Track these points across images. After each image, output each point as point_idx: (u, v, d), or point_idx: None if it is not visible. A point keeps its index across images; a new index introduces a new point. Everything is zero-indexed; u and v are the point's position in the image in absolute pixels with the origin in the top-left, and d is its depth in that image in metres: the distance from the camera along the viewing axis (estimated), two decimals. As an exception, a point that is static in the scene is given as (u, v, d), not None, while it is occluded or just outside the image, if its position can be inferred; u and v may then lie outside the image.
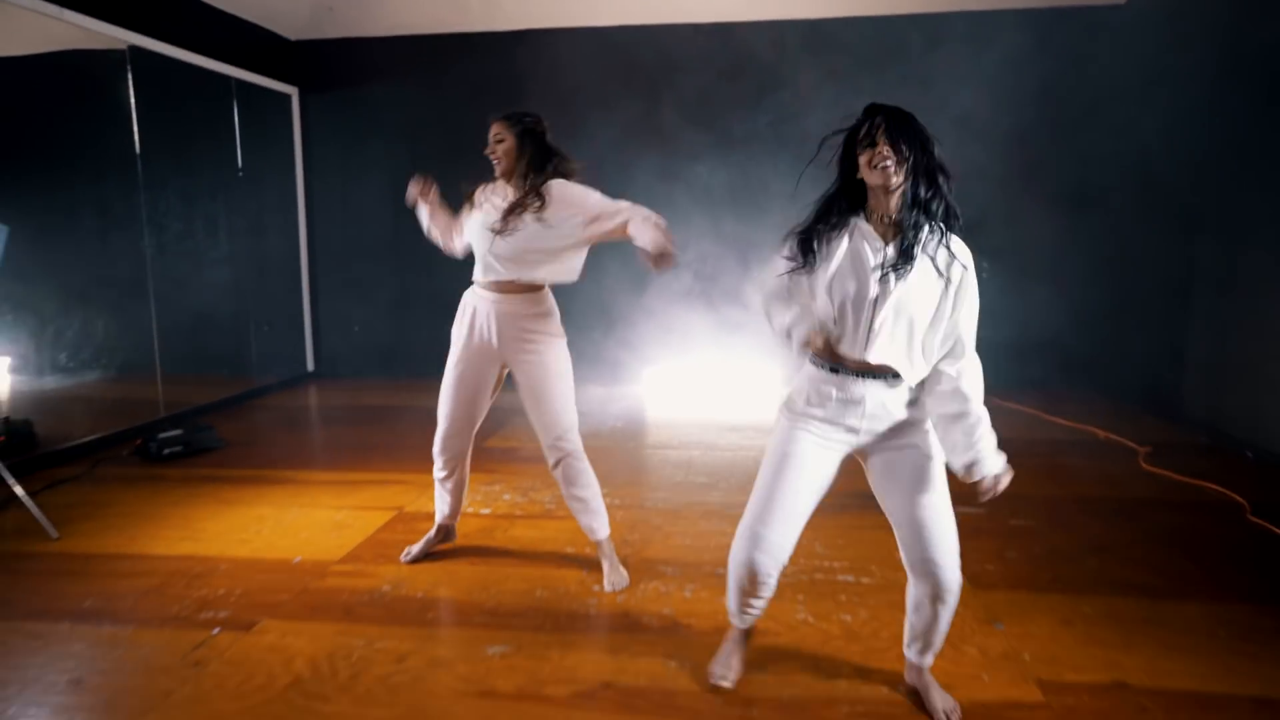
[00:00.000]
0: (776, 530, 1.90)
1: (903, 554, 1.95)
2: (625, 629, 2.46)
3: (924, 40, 5.69)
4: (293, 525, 3.31)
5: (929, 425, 1.91)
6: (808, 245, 1.86)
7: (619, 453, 4.45)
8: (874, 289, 1.78)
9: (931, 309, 1.80)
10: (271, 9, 5.87)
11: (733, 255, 6.13)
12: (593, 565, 2.92)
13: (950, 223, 1.81)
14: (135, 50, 4.71)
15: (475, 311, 2.66)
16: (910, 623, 2.06)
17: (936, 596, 1.93)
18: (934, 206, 1.78)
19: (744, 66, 5.97)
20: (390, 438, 4.77)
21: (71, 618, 2.50)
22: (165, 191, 5.01)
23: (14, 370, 4.35)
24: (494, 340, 2.63)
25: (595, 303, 6.09)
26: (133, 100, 4.71)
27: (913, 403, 1.90)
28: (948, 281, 1.79)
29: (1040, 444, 4.53)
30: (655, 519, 3.37)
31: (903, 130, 1.73)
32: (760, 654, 2.29)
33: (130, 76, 4.69)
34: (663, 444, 4.60)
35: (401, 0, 5.88)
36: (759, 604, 2.05)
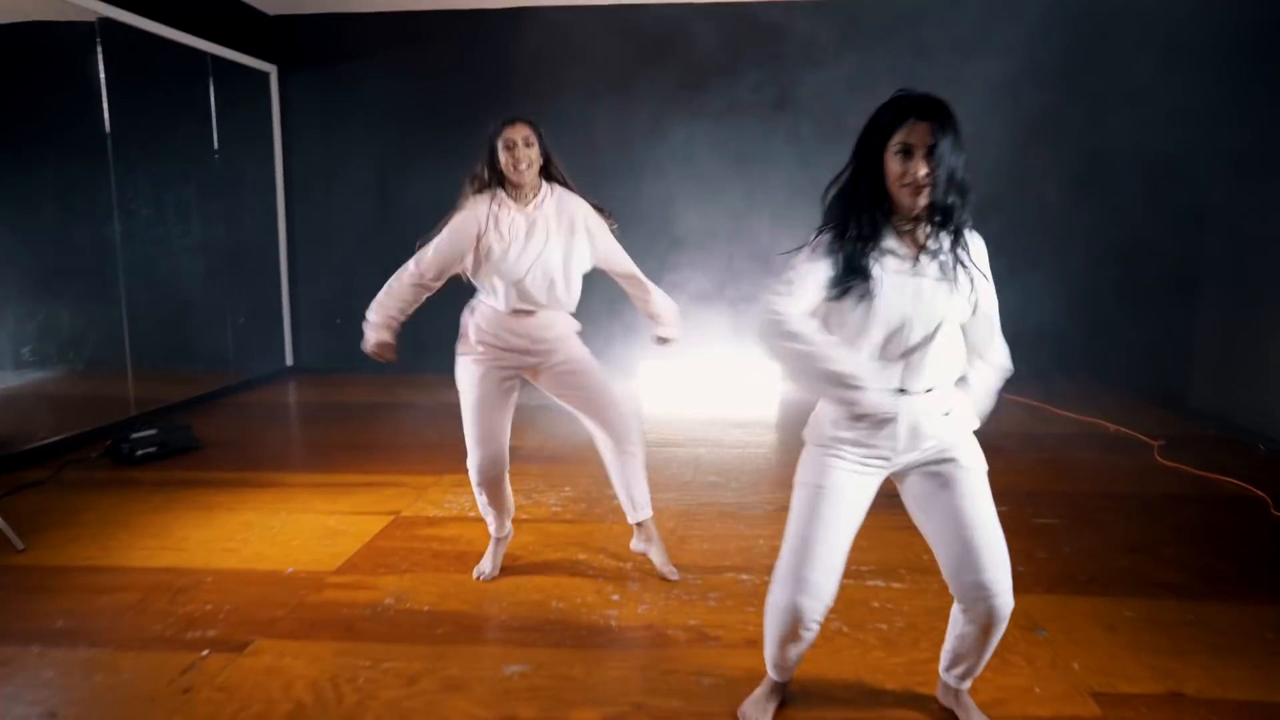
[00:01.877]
0: (819, 571, 1.69)
1: (948, 579, 1.76)
2: (651, 644, 2.30)
3: (939, 4, 5.52)
4: (282, 532, 3.10)
5: (969, 432, 1.75)
6: (854, 266, 1.58)
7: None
8: (926, 311, 1.60)
9: (968, 312, 1.66)
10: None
11: (736, 244, 5.98)
12: (608, 573, 2.75)
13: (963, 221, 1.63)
14: (105, 22, 4.42)
15: None
16: (953, 648, 1.87)
17: (989, 626, 1.74)
18: (957, 215, 1.59)
19: (742, 44, 5.79)
20: (380, 437, 4.56)
21: (42, 640, 2.28)
22: (136, 174, 4.73)
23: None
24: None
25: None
26: (102, 76, 4.42)
27: (948, 412, 1.72)
28: (971, 279, 1.65)
29: (1049, 438, 4.42)
30: (669, 522, 3.20)
31: (945, 137, 1.51)
32: (797, 670, 2.14)
33: (100, 51, 4.40)
34: (667, 442, 4.43)
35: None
36: (801, 651, 1.84)
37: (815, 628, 1.74)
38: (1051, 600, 2.56)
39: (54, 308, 4.34)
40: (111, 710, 1.95)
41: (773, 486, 3.66)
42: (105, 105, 4.45)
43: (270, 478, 3.78)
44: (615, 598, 2.57)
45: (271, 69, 6.10)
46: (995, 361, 1.81)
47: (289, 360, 6.50)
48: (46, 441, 4.12)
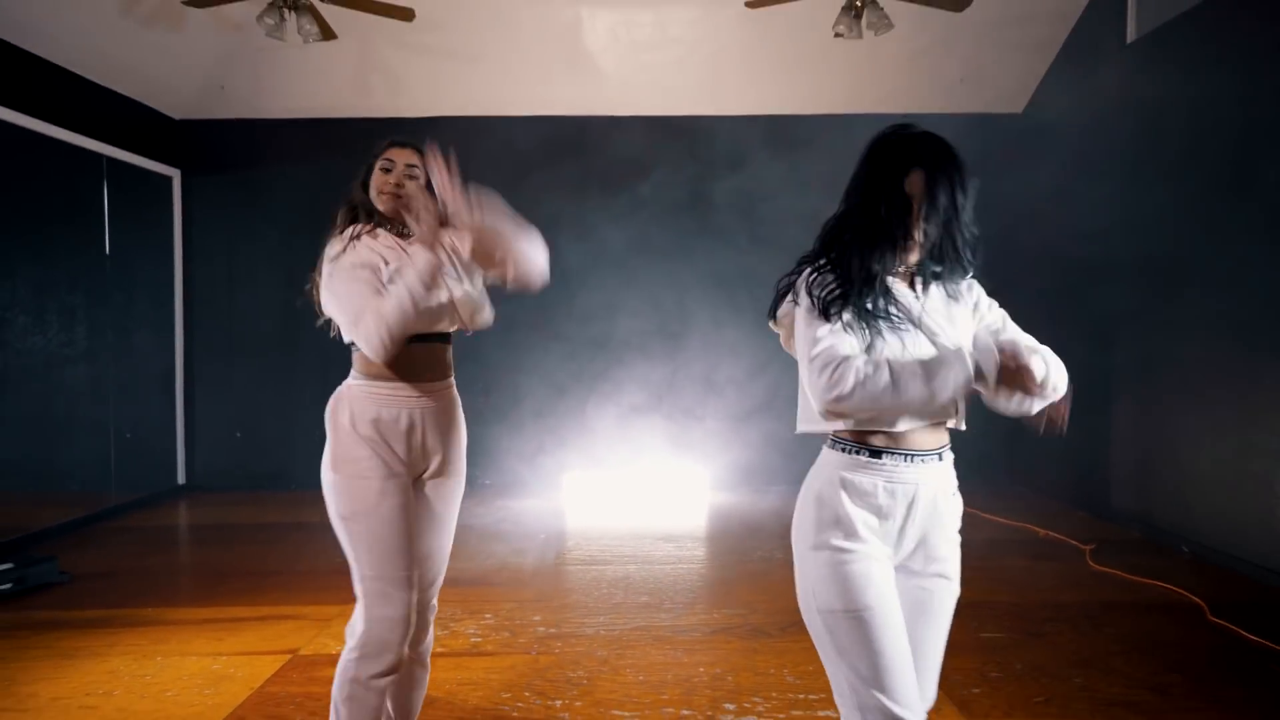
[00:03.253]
0: (903, 690, 1.40)
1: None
2: (587, 803, 2.01)
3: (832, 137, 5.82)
4: (155, 681, 2.68)
5: (956, 536, 1.57)
6: (865, 310, 1.41)
7: (548, 571, 4.00)
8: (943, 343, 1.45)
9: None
10: (155, 86, 5.42)
11: (652, 344, 5.95)
12: (529, 715, 2.45)
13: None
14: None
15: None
16: None
17: None
18: (951, 274, 1.50)
19: (648, 156, 5.94)
20: (278, 562, 4.14)
21: None
22: (13, 278, 4.36)
23: None
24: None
25: (512, 398, 5.73)
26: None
27: (955, 491, 1.55)
28: (972, 303, 1.54)
29: (981, 544, 4.37)
30: (600, 650, 2.93)
31: (943, 188, 1.39)
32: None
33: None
34: (594, 559, 4.17)
35: (301, 81, 5.57)
36: None
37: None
38: (1012, 725, 2.40)
39: None
40: None
41: (708, 606, 3.44)
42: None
43: (146, 615, 3.32)
44: (545, 747, 2.28)
45: (175, 173, 5.88)
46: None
47: (181, 478, 5.98)
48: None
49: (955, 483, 1.55)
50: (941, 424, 1.49)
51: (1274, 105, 3.72)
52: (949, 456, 1.52)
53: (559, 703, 2.54)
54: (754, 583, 3.76)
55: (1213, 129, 4.11)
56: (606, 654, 2.91)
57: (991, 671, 2.78)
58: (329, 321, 1.92)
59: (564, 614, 3.32)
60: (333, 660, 2.80)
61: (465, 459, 2.01)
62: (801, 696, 2.57)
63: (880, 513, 1.43)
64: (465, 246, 1.80)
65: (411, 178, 1.90)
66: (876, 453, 1.43)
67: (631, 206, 5.94)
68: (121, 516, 5.17)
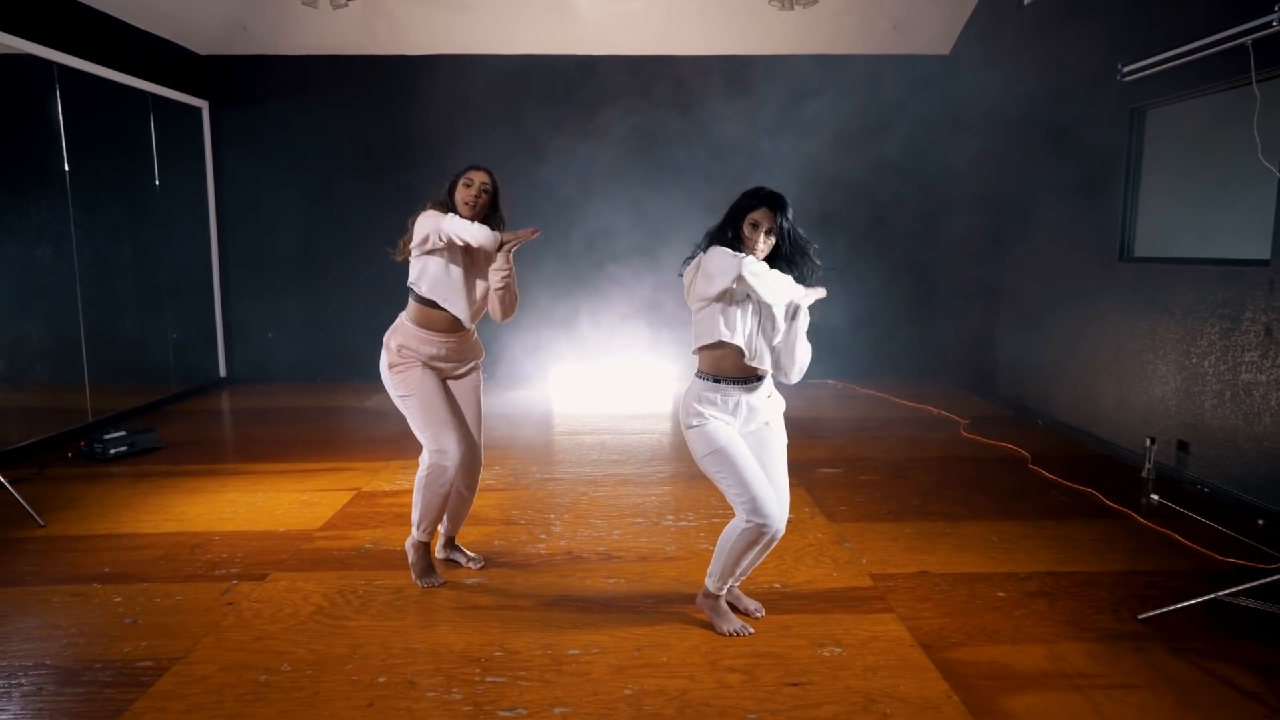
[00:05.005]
0: (762, 488, 2.44)
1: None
2: (570, 563, 3.16)
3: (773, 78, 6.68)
4: (265, 506, 3.79)
5: (777, 411, 2.70)
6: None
7: (540, 440, 5.12)
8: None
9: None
10: (185, 25, 6.14)
11: (634, 253, 6.92)
12: (536, 522, 3.59)
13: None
14: (61, 69, 4.95)
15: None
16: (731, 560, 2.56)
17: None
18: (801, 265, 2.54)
19: (632, 91, 6.77)
20: (323, 434, 5.22)
21: (99, 580, 2.94)
22: (92, 207, 5.24)
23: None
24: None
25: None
26: (61, 117, 4.95)
27: (770, 395, 2.68)
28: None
29: (890, 421, 5.55)
30: (581, 487, 4.07)
31: (781, 220, 2.43)
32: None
33: (59, 94, 4.93)
34: (577, 430, 5.31)
35: (311, 22, 6.29)
36: (753, 559, 2.57)
37: (778, 537, 2.51)
38: (859, 526, 3.56)
39: (22, 326, 4.82)
40: (179, 617, 2.66)
41: (665, 461, 4.59)
42: (64, 144, 4.98)
43: (238, 468, 4.42)
44: (544, 536, 3.42)
45: (204, 104, 6.65)
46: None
47: (222, 372, 7.01)
48: (19, 445, 4.60)
49: (772, 388, 2.63)
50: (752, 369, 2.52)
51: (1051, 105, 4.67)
52: (766, 381, 2.58)
53: (551, 515, 3.68)
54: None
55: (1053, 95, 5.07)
56: (586, 489, 4.06)
57: (858, 498, 3.95)
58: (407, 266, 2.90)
59: (552, 467, 4.45)
60: (387, 494, 3.93)
61: (480, 368, 3.05)
62: (718, 512, 3.72)
63: (719, 406, 2.52)
64: (504, 261, 2.79)
65: (485, 193, 2.82)
66: (718, 380, 2.51)
67: (620, 137, 6.81)
68: (178, 403, 6.22)
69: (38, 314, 4.95)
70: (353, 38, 6.50)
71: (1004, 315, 6.02)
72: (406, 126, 6.78)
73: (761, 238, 2.43)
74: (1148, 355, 4.40)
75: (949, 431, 5.28)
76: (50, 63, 4.87)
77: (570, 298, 6.97)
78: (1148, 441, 4.22)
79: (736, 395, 2.51)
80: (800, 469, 4.33)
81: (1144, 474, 4.23)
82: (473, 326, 2.97)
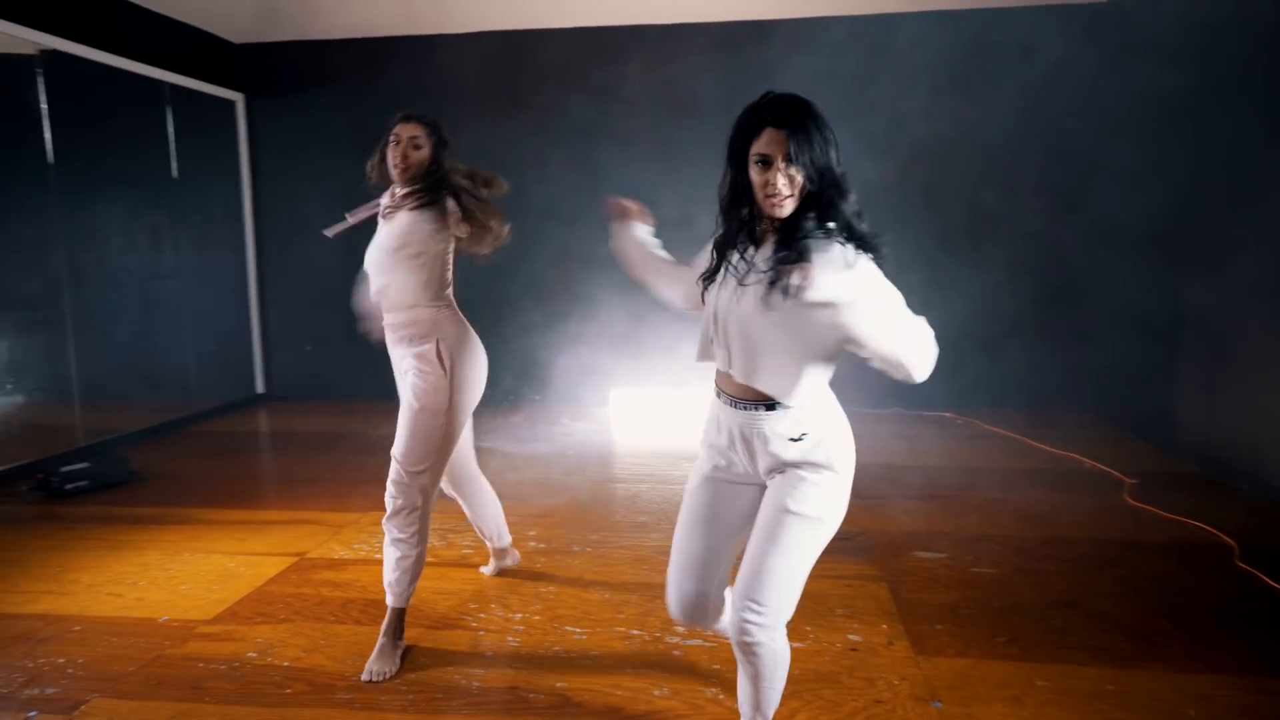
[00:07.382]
0: (677, 567, 1.84)
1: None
2: (511, 708, 2.14)
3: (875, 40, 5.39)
4: (176, 575, 3.00)
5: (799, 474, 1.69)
6: (715, 262, 1.70)
7: (558, 487, 4.14)
8: (742, 319, 1.61)
9: (820, 336, 1.57)
10: (211, 12, 5.60)
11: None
12: (487, 624, 2.60)
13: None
14: (47, 54, 4.43)
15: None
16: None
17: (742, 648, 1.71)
18: (835, 217, 1.52)
19: (694, 68, 5.67)
20: (320, 469, 4.46)
21: (-125, 696, 2.19)
22: (84, 204, 4.72)
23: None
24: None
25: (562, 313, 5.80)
26: (44, 107, 4.43)
27: (798, 437, 1.70)
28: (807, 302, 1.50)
29: (1018, 475, 4.17)
30: (580, 565, 3.04)
31: (804, 145, 1.45)
32: None
33: (41, 82, 4.41)
34: (609, 478, 4.28)
35: (346, 1, 5.60)
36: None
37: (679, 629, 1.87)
38: (961, 665, 2.35)
39: (27, 334, 4.35)
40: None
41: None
42: (48, 136, 4.45)
43: (190, 514, 3.68)
44: (490, 654, 2.41)
45: (238, 97, 6.11)
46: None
47: (260, 388, 6.46)
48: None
49: (796, 431, 1.62)
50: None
51: None
52: (778, 408, 1.62)
53: (519, 615, 2.67)
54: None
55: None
56: (583, 571, 3.02)
57: (964, 608, 2.71)
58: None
59: (558, 531, 3.45)
60: (331, 564, 3.06)
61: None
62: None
63: (712, 428, 1.76)
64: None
65: (416, 148, 2.38)
66: (717, 392, 1.74)
67: (712, 119, 5.75)
68: (203, 421, 5.67)
69: (16, 325, 4.45)
70: (391, 18, 5.76)
71: (1190, 333, 4.48)
72: (457, 114, 5.96)
73: (780, 180, 1.46)
74: None
75: (1107, 496, 3.87)
76: (31, 49, 4.36)
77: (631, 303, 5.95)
78: None
79: (728, 419, 1.69)
80: (880, 551, 3.13)
81: None
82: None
